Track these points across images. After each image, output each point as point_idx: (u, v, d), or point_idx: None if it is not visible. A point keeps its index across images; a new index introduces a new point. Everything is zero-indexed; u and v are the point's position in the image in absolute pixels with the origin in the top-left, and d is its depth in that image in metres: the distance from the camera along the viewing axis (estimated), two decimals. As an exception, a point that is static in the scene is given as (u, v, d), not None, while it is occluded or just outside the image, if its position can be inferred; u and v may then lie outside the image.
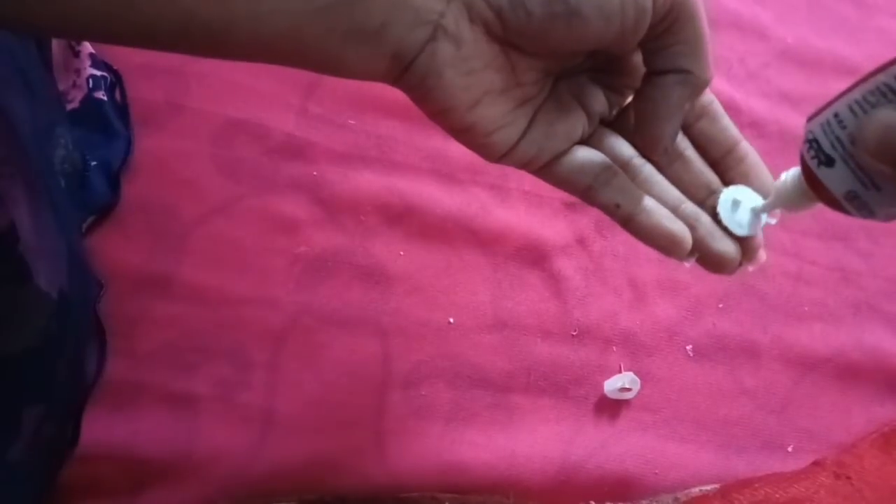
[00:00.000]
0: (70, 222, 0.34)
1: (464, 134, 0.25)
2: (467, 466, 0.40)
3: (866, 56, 0.67)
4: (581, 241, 0.49)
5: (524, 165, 0.26)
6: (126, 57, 0.43)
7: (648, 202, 0.27)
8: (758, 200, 0.27)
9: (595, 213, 0.50)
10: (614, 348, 0.47)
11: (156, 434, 0.36)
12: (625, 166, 0.27)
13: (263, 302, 0.40)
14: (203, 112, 0.43)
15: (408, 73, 0.23)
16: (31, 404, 0.29)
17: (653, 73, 0.25)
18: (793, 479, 0.45)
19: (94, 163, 0.39)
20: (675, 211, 0.27)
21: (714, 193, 0.28)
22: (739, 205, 0.27)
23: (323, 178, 0.44)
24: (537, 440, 0.42)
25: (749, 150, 0.28)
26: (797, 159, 0.25)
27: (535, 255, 0.47)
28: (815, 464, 0.47)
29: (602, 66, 0.27)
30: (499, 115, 0.25)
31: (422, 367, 0.42)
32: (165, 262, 0.39)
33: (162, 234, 0.40)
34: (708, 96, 0.28)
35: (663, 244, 0.26)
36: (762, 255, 0.28)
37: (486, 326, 0.44)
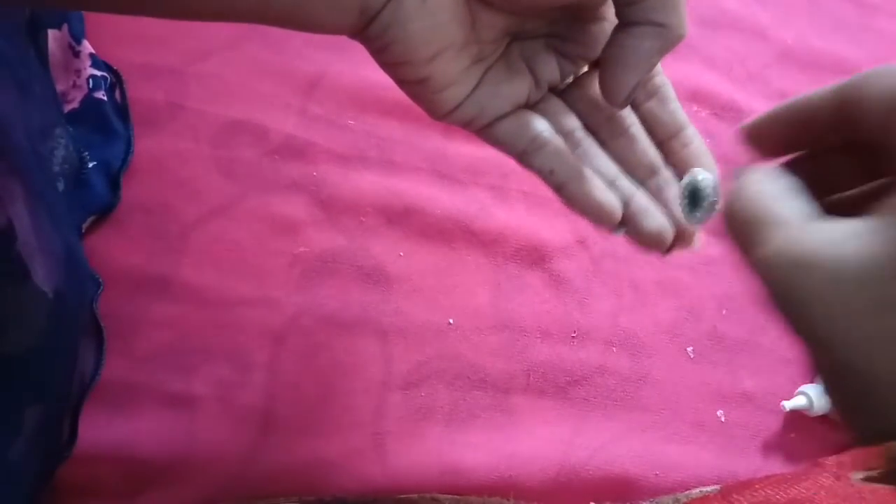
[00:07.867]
0: (65, 220, 0.34)
1: (414, 86, 0.24)
2: (467, 468, 0.40)
3: (867, 56, 0.67)
4: (581, 242, 0.49)
5: (465, 124, 0.26)
6: (126, 57, 0.43)
7: (583, 171, 0.26)
8: (715, 192, 0.26)
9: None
10: (614, 349, 0.46)
11: (155, 434, 0.36)
12: (567, 137, 0.27)
13: (263, 302, 0.40)
14: (203, 112, 0.43)
15: (372, 24, 0.22)
16: (30, 402, 0.29)
17: (625, 25, 0.24)
18: (793, 480, 0.44)
19: (93, 163, 0.39)
20: (610, 185, 0.27)
21: (656, 174, 0.27)
22: (699, 194, 0.26)
23: (323, 179, 0.44)
24: (537, 441, 0.42)
25: (694, 137, 0.28)
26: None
27: (535, 256, 0.47)
28: (816, 465, 0.47)
29: (560, 32, 0.26)
30: (453, 71, 0.24)
31: (421, 368, 0.42)
32: (165, 262, 0.39)
33: (162, 234, 0.40)
34: (661, 78, 0.28)
35: (592, 214, 0.26)
36: (699, 240, 0.28)
37: (485, 327, 0.44)
